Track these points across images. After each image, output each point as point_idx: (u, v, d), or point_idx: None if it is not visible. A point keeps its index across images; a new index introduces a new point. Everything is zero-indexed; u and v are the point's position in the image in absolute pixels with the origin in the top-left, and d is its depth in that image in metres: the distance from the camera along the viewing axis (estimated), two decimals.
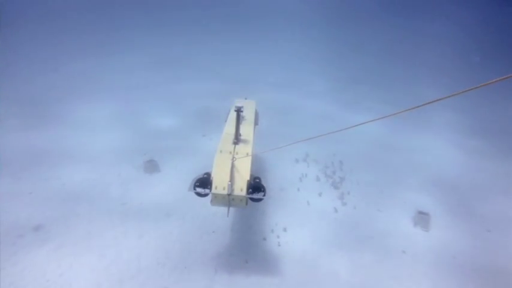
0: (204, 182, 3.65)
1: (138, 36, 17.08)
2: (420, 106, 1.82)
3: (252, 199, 3.74)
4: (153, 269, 4.22)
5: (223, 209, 5.34)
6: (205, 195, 3.69)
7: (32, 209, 5.06)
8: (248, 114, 5.16)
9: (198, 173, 3.90)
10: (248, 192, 3.61)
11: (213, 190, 3.55)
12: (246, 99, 6.05)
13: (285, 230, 5.11)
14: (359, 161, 7.61)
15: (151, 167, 6.44)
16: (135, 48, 15.25)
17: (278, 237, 4.96)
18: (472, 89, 1.52)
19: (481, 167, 7.76)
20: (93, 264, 4.18)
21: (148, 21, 19.88)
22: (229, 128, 4.57)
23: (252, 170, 3.77)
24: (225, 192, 3.53)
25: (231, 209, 5.42)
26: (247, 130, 4.54)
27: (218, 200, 3.62)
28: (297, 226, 5.24)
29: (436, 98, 1.75)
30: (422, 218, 5.49)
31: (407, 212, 5.79)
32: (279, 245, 4.81)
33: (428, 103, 1.76)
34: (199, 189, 3.67)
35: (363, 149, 8.20)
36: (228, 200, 3.61)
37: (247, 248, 4.70)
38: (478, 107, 11.36)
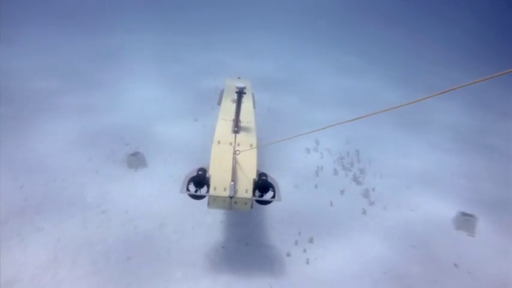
0: (199, 181, 3.02)
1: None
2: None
3: (260, 202, 3.11)
4: None
5: (232, 216, 4.29)
6: (202, 197, 3.06)
7: None
8: (245, 96, 4.24)
9: (193, 166, 3.23)
10: (255, 193, 3.01)
11: (212, 192, 2.94)
12: (239, 78, 5.10)
13: (311, 241, 4.11)
14: (375, 148, 6.70)
15: (137, 160, 5.20)
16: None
17: (305, 251, 3.96)
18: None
19: None
20: None
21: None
22: (225, 113, 3.82)
23: (257, 165, 3.13)
24: (226, 194, 2.94)
25: (243, 214, 4.42)
26: (247, 115, 3.82)
27: (217, 203, 3.01)
28: (325, 235, 4.26)
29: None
30: (466, 221, 4.66)
31: (444, 213, 4.95)
32: (308, 263, 3.80)
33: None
34: (193, 190, 3.03)
35: (375, 134, 7.30)
36: (230, 203, 3.01)
37: (269, 268, 3.66)
38: None
